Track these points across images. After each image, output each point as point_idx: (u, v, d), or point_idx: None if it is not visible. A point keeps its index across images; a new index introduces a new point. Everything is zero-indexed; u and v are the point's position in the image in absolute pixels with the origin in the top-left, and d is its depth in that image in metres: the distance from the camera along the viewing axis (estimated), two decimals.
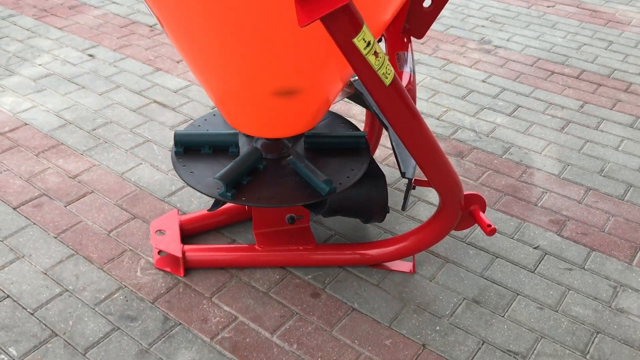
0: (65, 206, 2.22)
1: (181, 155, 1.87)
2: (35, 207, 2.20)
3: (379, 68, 1.29)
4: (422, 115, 2.85)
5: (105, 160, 2.47)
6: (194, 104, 2.88)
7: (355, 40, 1.22)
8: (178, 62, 3.24)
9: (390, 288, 1.92)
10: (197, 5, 1.31)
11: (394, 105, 1.38)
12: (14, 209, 2.19)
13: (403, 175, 1.66)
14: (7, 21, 3.61)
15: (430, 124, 2.81)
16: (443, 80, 3.19)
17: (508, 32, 3.77)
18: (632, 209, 2.31)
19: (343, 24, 1.21)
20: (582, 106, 3.00)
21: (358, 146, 1.92)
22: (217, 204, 1.82)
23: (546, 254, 2.09)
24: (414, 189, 1.74)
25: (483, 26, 3.85)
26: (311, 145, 1.92)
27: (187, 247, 1.95)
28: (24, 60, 3.20)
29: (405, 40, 1.77)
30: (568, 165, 2.55)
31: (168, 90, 2.98)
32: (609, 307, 1.89)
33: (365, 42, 1.24)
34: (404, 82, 1.67)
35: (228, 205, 2.09)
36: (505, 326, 1.82)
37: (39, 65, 3.16)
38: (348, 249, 1.96)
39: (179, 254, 1.89)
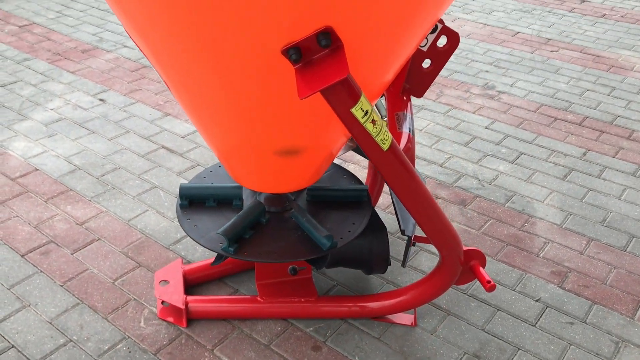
0: (72, 253, 2.25)
1: (186, 208, 1.91)
2: (42, 254, 2.24)
3: (377, 135, 1.33)
4: (426, 162, 2.89)
5: (112, 206, 2.51)
6: (201, 149, 2.93)
7: (353, 110, 1.27)
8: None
9: (391, 341, 1.93)
10: (201, 66, 1.36)
11: (392, 169, 1.41)
12: (22, 256, 2.23)
13: (403, 232, 1.68)
14: (22, 65, 3.71)
15: (434, 171, 2.85)
16: (447, 127, 3.23)
17: (512, 77, 3.82)
18: (635, 260, 2.32)
19: (341, 96, 1.25)
20: (584, 154, 3.02)
21: (360, 199, 1.95)
22: (219, 258, 1.85)
23: (547, 307, 2.09)
24: (413, 245, 1.77)
25: (487, 71, 3.90)
26: (313, 198, 1.95)
27: (190, 298, 1.97)
28: (36, 104, 3.28)
29: (405, 98, 1.81)
30: (570, 214, 2.57)
31: (176, 135, 3.04)
32: None
33: (363, 111, 1.29)
34: (403, 142, 1.71)
35: None
36: None
37: (51, 109, 3.23)
38: (349, 301, 1.98)
39: (182, 305, 1.92)
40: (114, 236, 2.35)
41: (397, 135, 1.73)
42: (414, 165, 1.71)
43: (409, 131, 1.74)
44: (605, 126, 3.28)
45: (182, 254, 2.27)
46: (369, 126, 1.30)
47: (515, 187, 2.74)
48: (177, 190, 2.63)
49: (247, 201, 1.94)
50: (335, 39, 1.22)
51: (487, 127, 3.24)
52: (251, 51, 1.25)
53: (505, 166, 2.90)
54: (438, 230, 1.62)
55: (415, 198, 1.51)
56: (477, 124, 3.27)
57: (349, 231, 1.83)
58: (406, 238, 1.75)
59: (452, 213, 2.55)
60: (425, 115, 3.34)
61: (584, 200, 2.67)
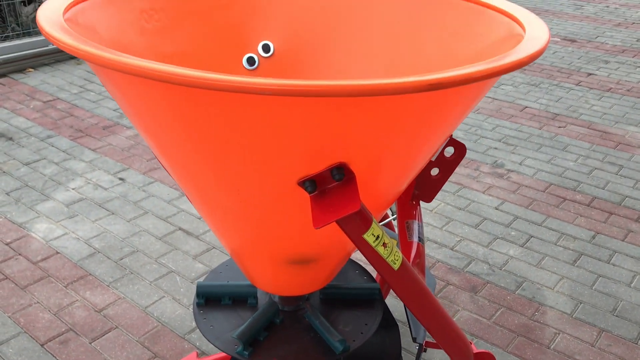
0: (90, 343, 2.30)
1: (202, 307, 1.96)
2: (61, 343, 2.30)
3: (388, 256, 1.40)
4: (437, 245, 2.94)
5: (130, 292, 2.57)
6: None
7: (365, 235, 1.34)
8: None
9: None
10: (222, 188, 1.44)
11: (403, 286, 1.47)
12: (42, 345, 2.29)
13: (414, 340, 1.73)
14: (45, 142, 3.86)
15: (445, 254, 2.89)
16: (457, 207, 3.30)
17: (520, 155, 3.90)
18: None
19: (354, 224, 1.32)
20: (593, 237, 3.06)
21: (372, 297, 2.00)
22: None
23: None
24: (425, 351, 1.80)
25: (496, 148, 3.99)
26: (326, 296, 2.00)
27: None
28: (58, 184, 3.39)
29: (415, 203, 1.89)
30: (580, 302, 2.59)
31: (193, 216, 3.12)
32: None
33: (374, 236, 1.36)
34: (413, 252, 1.77)
35: None
36: None
37: (73, 189, 3.34)
38: None
39: None
40: (130, 324, 2.40)
41: (407, 245, 1.79)
42: (423, 274, 1.76)
43: (419, 240, 1.80)
44: (614, 207, 3.33)
45: (197, 344, 2.32)
46: (380, 249, 1.37)
47: (525, 273, 2.78)
48: (193, 274, 2.69)
49: (261, 298, 2.00)
50: (347, 172, 1.30)
51: (496, 208, 3.30)
52: (269, 181, 1.34)
53: (515, 250, 2.94)
54: (448, 338, 1.67)
55: (426, 310, 1.56)
56: (487, 204, 3.33)
57: (362, 332, 1.87)
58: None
59: (463, 301, 2.58)
60: (436, 195, 3.41)
61: (593, 288, 2.69)
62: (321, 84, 1.06)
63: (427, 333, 1.78)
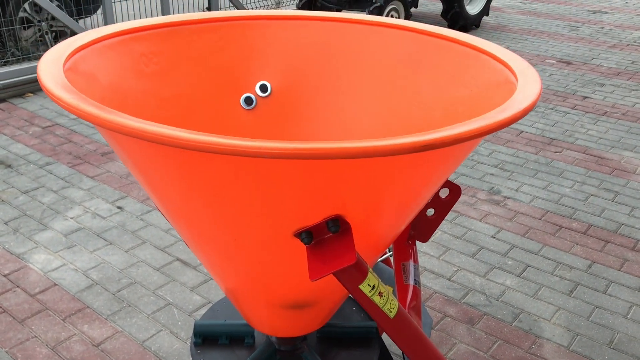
0: None
1: (200, 346, 1.97)
2: None
3: (384, 305, 1.41)
4: (434, 275, 2.95)
5: (127, 326, 2.58)
6: None
7: (361, 286, 1.35)
8: None
9: None
10: (220, 233, 1.46)
11: (399, 333, 1.49)
12: None
13: None
14: (44, 169, 3.87)
15: (442, 285, 2.90)
16: (454, 236, 3.31)
17: (517, 182, 3.92)
18: None
19: (350, 275, 1.34)
20: (590, 266, 3.07)
21: (369, 336, 2.01)
22: None
23: None
24: None
25: (492, 174, 4.02)
26: (323, 334, 2.01)
27: None
28: (57, 212, 3.40)
29: (410, 242, 1.91)
30: (577, 335, 2.60)
31: None
32: None
33: (370, 286, 1.37)
34: (409, 296, 1.79)
35: None
36: None
37: (71, 218, 3.35)
38: None
39: None
40: (128, 359, 2.40)
41: (403, 287, 1.81)
42: (419, 317, 1.77)
43: (415, 283, 1.82)
44: (610, 235, 3.35)
45: None
46: (376, 299, 1.39)
47: (522, 304, 2.79)
48: (191, 306, 2.70)
49: (258, 338, 2.00)
50: (343, 223, 1.32)
51: (493, 237, 3.31)
52: (266, 232, 1.35)
53: (511, 280, 2.95)
54: None
55: (422, 355, 1.57)
56: (484, 232, 3.35)
57: None
58: None
59: (460, 333, 2.59)
60: None
61: (590, 319, 2.70)
62: (315, 146, 1.08)
63: None
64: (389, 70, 1.97)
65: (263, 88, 2.07)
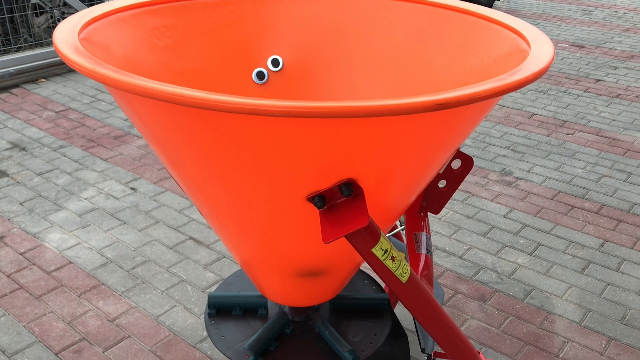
0: (104, 352, 2.34)
1: (213, 317, 2.00)
2: (75, 352, 2.34)
3: (396, 269, 1.42)
4: (445, 254, 2.95)
5: (142, 302, 2.61)
6: None
7: (373, 250, 1.37)
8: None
9: None
10: (235, 203, 1.47)
11: (411, 299, 1.50)
12: (56, 354, 2.32)
13: (423, 350, 1.75)
14: (58, 152, 3.91)
15: (454, 263, 2.91)
16: (465, 215, 3.31)
17: (528, 163, 3.91)
18: None
19: (362, 238, 1.35)
20: (602, 245, 3.07)
21: (381, 307, 2.03)
22: None
23: None
24: None
25: (504, 156, 4.01)
26: (336, 306, 2.03)
27: None
28: (71, 194, 3.44)
29: (422, 214, 1.91)
30: (589, 311, 2.60)
31: (203, 225, 3.16)
32: None
33: (382, 250, 1.38)
34: (420, 265, 1.80)
35: None
36: None
37: (85, 199, 3.39)
38: None
39: None
40: (143, 333, 2.44)
41: (415, 257, 1.82)
42: (432, 286, 1.79)
43: (427, 252, 1.83)
44: (623, 215, 3.33)
45: (209, 353, 2.35)
46: (388, 263, 1.40)
47: (533, 282, 2.79)
48: (204, 283, 2.73)
49: (272, 309, 2.03)
50: (356, 188, 1.33)
51: (505, 216, 3.31)
52: (279, 197, 1.37)
53: (523, 258, 2.96)
54: (457, 349, 1.69)
55: (434, 321, 1.59)
56: (495, 212, 3.35)
57: (371, 343, 1.89)
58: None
59: (472, 309, 2.60)
60: None
61: (602, 296, 2.70)
62: (330, 105, 1.09)
63: (436, 344, 1.80)
64: (400, 44, 1.97)
65: (275, 63, 2.08)
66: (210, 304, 2.00)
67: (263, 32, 2.09)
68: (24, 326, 2.46)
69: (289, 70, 2.11)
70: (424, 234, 1.85)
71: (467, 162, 1.81)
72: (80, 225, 3.14)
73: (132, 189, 3.51)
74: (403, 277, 1.44)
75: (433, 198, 1.87)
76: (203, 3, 1.98)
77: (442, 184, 1.87)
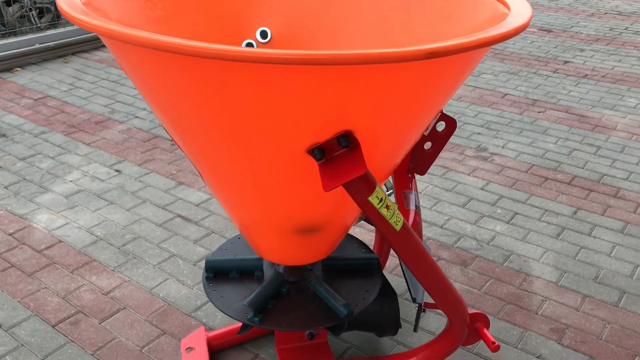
0: (100, 323, 2.39)
1: (211, 280, 2.07)
2: (72, 324, 2.38)
3: (390, 217, 1.52)
4: (427, 224, 3.07)
5: (135, 276, 2.66)
6: (214, 217, 3.10)
7: (370, 198, 1.46)
8: (198, 175, 3.50)
9: None
10: (234, 158, 1.54)
11: (404, 247, 1.59)
12: (53, 326, 2.37)
13: (414, 300, 1.85)
14: (39, 138, 3.92)
15: (435, 232, 3.02)
16: (444, 189, 3.43)
17: (503, 139, 4.05)
18: (627, 316, 2.48)
19: (360, 187, 1.44)
20: (575, 212, 3.22)
21: (371, 267, 2.12)
22: (245, 327, 2.00)
23: None
24: (424, 311, 1.93)
25: (479, 133, 4.14)
26: (328, 267, 2.12)
27: None
28: (56, 177, 3.46)
29: (410, 176, 2.01)
30: (565, 272, 2.74)
31: (190, 204, 3.22)
32: None
33: (378, 198, 1.47)
34: (410, 219, 1.89)
35: None
36: None
37: (70, 181, 3.42)
38: None
39: None
40: (138, 305, 2.49)
41: (405, 212, 1.91)
42: (421, 239, 1.89)
43: (416, 208, 1.92)
44: (593, 185, 3.49)
45: (204, 320, 2.42)
46: (383, 211, 1.49)
47: (511, 247, 2.92)
48: (195, 257, 2.79)
49: (267, 271, 2.11)
50: (353, 140, 1.42)
51: (482, 189, 3.44)
52: (281, 150, 1.45)
53: (501, 226, 3.09)
54: (446, 298, 1.79)
55: (425, 270, 1.69)
56: (473, 185, 3.47)
57: (363, 298, 1.99)
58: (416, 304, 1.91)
59: (454, 274, 2.72)
60: (424, 179, 3.54)
61: (576, 258, 2.84)
62: (331, 53, 1.17)
63: (426, 294, 1.90)
64: (384, 12, 2.06)
65: (263, 34, 2.15)
66: (208, 268, 2.07)
67: (251, 5, 2.16)
68: (18, 302, 2.50)
69: (276, 42, 2.18)
70: (412, 192, 1.95)
71: (451, 124, 1.91)
72: (68, 207, 3.17)
73: (116, 171, 3.54)
74: (397, 225, 1.53)
75: (419, 160, 1.97)
76: None
77: (427, 145, 1.97)
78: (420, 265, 1.66)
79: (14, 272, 2.67)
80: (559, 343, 2.33)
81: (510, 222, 3.13)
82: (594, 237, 3.01)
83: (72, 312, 2.45)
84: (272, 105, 1.34)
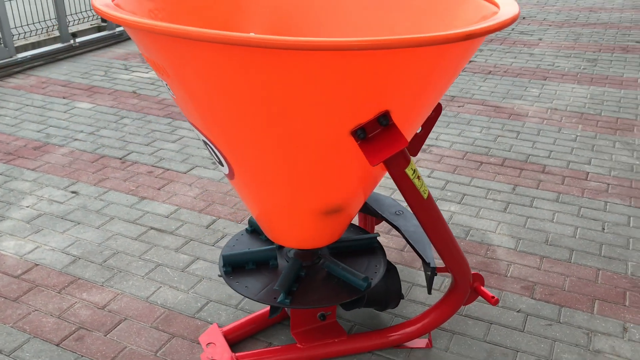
0: (105, 335, 2.39)
1: (230, 274, 2.17)
2: (77, 340, 2.37)
3: (420, 187, 1.72)
4: None
5: (126, 288, 2.67)
6: (188, 225, 3.16)
7: (407, 170, 1.65)
8: (159, 189, 3.52)
9: None
10: (278, 136, 1.67)
11: (428, 213, 1.80)
12: (57, 345, 2.34)
13: (428, 265, 2.07)
14: None
15: None
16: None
17: (434, 132, 4.40)
18: (580, 268, 2.85)
19: (399, 160, 1.64)
20: (514, 189, 3.59)
21: (373, 245, 2.32)
22: (275, 310, 2.12)
23: (528, 315, 2.53)
24: (436, 275, 2.14)
25: None
26: (334, 249, 2.29)
27: (238, 354, 2.20)
28: (9, 204, 3.35)
29: None
30: (519, 239, 3.08)
31: (160, 216, 3.24)
32: (589, 350, 2.35)
33: (412, 170, 1.67)
34: None
35: (261, 312, 2.38)
36: None
37: (27, 207, 3.32)
38: (376, 335, 2.30)
39: None
40: (138, 314, 2.51)
41: None
42: None
43: None
44: (523, 164, 3.91)
45: (209, 319, 2.49)
46: (416, 181, 1.69)
47: (469, 223, 3.22)
48: (181, 265, 2.84)
49: (280, 260, 2.24)
50: (390, 118, 1.61)
51: (429, 176, 3.74)
52: (325, 134, 1.61)
53: (455, 207, 3.39)
54: (455, 259, 2.02)
55: (442, 234, 1.90)
56: (420, 173, 3.76)
57: (375, 272, 2.18)
58: (420, 273, 2.13)
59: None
60: None
61: (526, 227, 3.20)
62: (382, 39, 1.36)
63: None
64: (364, 12, 2.28)
65: None
66: (226, 263, 2.17)
67: (239, 12, 2.30)
68: (11, 327, 2.43)
69: None
70: None
71: (438, 109, 2.15)
72: (33, 231, 3.09)
73: (73, 192, 3.48)
74: (425, 194, 1.74)
75: (412, 142, 2.19)
76: None
77: (418, 129, 2.19)
78: (439, 229, 1.88)
79: None
80: (531, 298, 2.64)
81: (462, 202, 3.44)
82: (536, 208, 3.39)
83: (73, 329, 2.43)
84: (323, 91, 1.50)
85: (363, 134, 1.60)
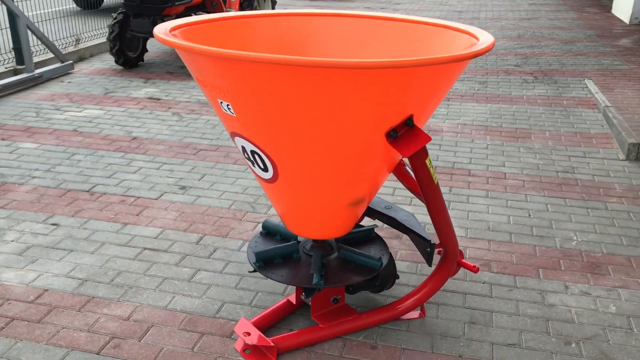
0: (139, 340, 2.62)
1: (263, 268, 2.51)
2: (115, 347, 2.58)
3: (434, 174, 2.21)
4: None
5: (143, 300, 2.90)
6: (180, 243, 3.42)
7: (427, 160, 2.13)
8: (137, 215, 3.74)
9: (416, 328, 2.73)
10: (317, 145, 2.08)
11: (435, 195, 2.29)
12: (97, 354, 2.54)
13: (429, 242, 2.55)
14: None
15: (368, 222, 3.73)
16: None
17: None
18: (521, 247, 3.46)
19: (422, 153, 2.11)
20: (450, 190, 4.20)
21: (372, 235, 2.77)
22: (310, 292, 2.49)
23: (492, 284, 3.09)
24: (433, 250, 2.62)
25: None
26: (341, 240, 2.71)
27: (273, 338, 2.54)
28: None
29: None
30: (468, 228, 3.66)
31: (148, 237, 3.47)
32: (545, 305, 2.93)
33: (429, 160, 2.16)
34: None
35: (281, 304, 2.73)
36: (498, 331, 2.73)
37: (12, 241, 3.41)
38: (384, 309, 2.73)
39: (272, 344, 2.48)
40: (163, 320, 2.76)
41: (411, 179, 2.62)
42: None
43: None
44: (451, 170, 4.54)
45: (230, 317, 2.79)
46: (431, 170, 2.18)
47: (422, 219, 3.76)
48: (186, 277, 3.10)
49: (301, 253, 2.62)
50: (413, 121, 2.09)
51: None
52: (367, 137, 2.06)
53: (408, 208, 3.92)
54: (449, 234, 2.52)
55: (442, 213, 2.40)
56: None
57: (381, 256, 2.62)
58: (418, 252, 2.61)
59: (395, 245, 3.45)
60: None
61: (469, 219, 3.79)
62: (418, 58, 1.84)
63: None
64: (347, 51, 2.75)
65: None
66: (259, 259, 2.52)
67: (243, 48, 2.69)
68: (46, 344, 2.59)
69: None
70: (406, 167, 2.66)
71: None
72: (28, 262, 3.21)
73: (53, 224, 3.60)
74: (436, 180, 2.23)
75: None
76: (207, 26, 2.52)
77: None
78: (441, 209, 2.37)
79: (19, 323, 2.72)
80: (490, 272, 3.20)
81: (412, 204, 3.99)
82: (472, 203, 4.00)
83: (107, 339, 2.63)
84: (367, 101, 1.95)
85: (395, 134, 2.06)
